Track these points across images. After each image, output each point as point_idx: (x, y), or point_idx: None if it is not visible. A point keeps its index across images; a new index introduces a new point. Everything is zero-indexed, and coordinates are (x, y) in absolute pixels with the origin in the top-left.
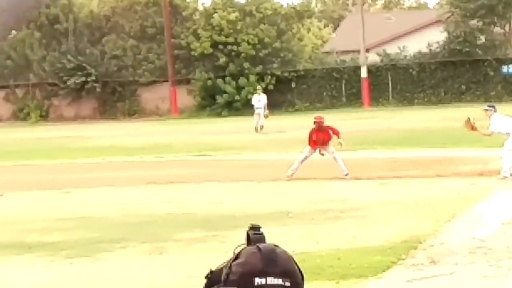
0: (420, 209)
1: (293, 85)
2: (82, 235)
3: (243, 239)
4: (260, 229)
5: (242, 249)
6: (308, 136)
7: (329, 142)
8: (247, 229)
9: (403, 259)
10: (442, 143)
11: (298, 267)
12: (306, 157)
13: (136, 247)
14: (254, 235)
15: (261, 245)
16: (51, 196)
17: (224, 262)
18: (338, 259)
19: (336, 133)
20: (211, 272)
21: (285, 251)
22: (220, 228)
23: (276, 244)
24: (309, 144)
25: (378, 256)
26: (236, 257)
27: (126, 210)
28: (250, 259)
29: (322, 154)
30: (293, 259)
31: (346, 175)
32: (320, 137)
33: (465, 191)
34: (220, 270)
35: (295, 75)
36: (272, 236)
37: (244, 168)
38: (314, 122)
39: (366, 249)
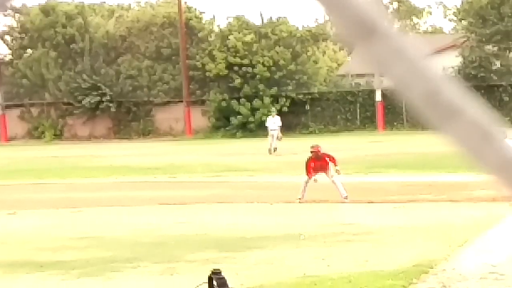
0: (432, 234)
1: (307, 107)
2: (94, 254)
3: (255, 261)
4: (222, 273)
5: None
6: (305, 165)
7: (328, 168)
8: (209, 273)
9: (415, 284)
10: (455, 168)
11: None
12: (307, 181)
13: (148, 267)
14: (219, 280)
15: None
16: (64, 215)
17: None
18: (350, 282)
19: (333, 160)
20: None
21: None
22: (232, 250)
23: None
24: (307, 174)
25: (389, 280)
26: None
27: (138, 230)
28: None
29: (315, 181)
30: None
31: (345, 198)
32: (318, 165)
33: (477, 217)
34: None
35: (310, 97)
36: (284, 258)
37: (257, 189)
38: (311, 152)
39: (377, 273)
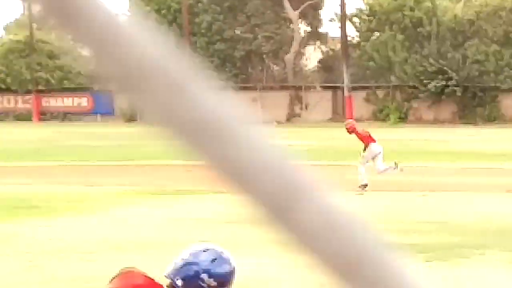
0: None
1: None
2: (441, 239)
3: None
4: None
5: None
6: None
7: None
8: None
9: None
10: None
11: None
12: None
13: (495, 255)
14: None
15: None
16: (409, 197)
17: None
18: None
19: None
20: None
21: None
22: None
23: None
24: None
25: None
26: None
27: (485, 217)
28: None
29: None
30: None
31: None
32: None
33: None
34: None
35: None
36: None
37: None
38: None
39: None
